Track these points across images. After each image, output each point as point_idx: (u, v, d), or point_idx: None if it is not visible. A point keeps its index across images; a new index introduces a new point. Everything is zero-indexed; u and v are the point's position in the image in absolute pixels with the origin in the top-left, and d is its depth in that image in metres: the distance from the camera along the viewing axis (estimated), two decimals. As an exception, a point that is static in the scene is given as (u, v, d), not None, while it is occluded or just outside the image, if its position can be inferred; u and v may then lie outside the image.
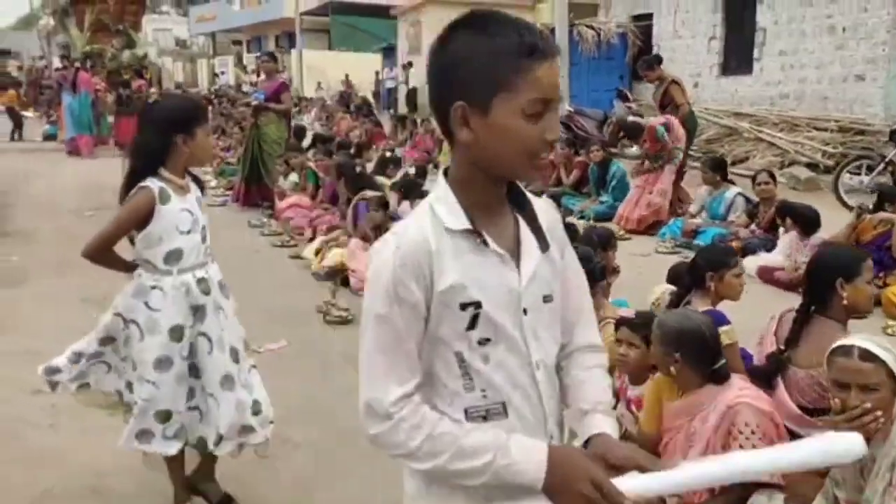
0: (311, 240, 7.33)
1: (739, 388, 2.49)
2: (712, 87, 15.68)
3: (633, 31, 17.51)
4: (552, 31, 17.09)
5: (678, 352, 2.53)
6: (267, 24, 44.37)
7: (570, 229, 4.13)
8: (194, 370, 2.71)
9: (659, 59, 10.54)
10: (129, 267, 2.80)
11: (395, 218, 6.11)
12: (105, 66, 24.32)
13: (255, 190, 9.10)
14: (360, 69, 33.20)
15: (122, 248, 2.85)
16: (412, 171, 8.32)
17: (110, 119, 16.37)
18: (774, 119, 13.60)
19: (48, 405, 3.83)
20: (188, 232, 2.70)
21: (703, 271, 3.46)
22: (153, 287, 2.68)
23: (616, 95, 15.04)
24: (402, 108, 27.63)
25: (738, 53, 15.20)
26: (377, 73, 31.57)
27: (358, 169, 7.10)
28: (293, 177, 8.88)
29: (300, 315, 5.34)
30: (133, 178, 2.67)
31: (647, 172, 8.17)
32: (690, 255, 6.94)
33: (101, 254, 2.80)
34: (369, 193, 6.25)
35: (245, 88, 37.37)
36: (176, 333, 2.66)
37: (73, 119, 14.27)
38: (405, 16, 31.29)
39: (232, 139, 12.80)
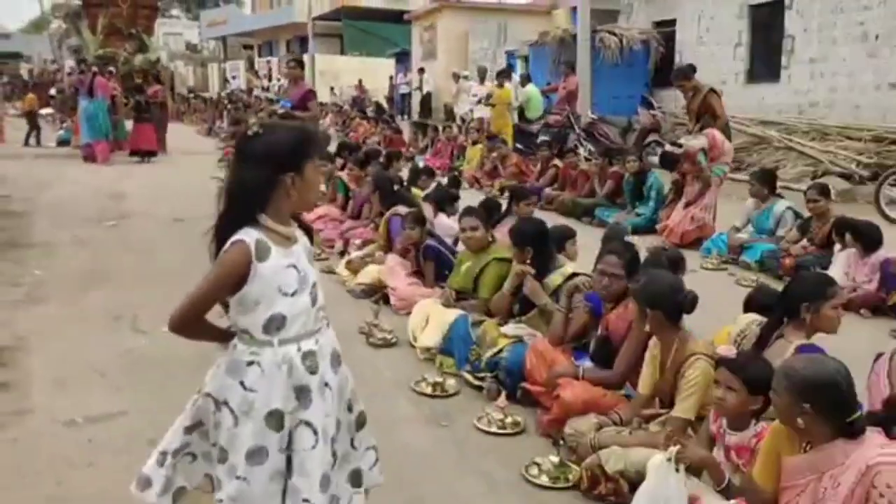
0: (343, 253, 7.08)
1: (880, 446, 2.21)
2: (738, 95, 15.37)
3: (655, 38, 17.25)
4: (573, 37, 16.89)
5: (808, 403, 2.26)
6: (278, 28, 44.27)
7: (629, 249, 3.87)
8: (289, 465, 2.17)
9: (693, 69, 10.23)
10: (226, 336, 2.26)
11: (431, 234, 5.85)
12: (118, 70, 24.23)
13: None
14: (374, 74, 32.99)
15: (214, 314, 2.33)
16: (444, 180, 8.03)
17: (128, 125, 16.19)
18: (804, 128, 13.32)
19: (84, 440, 3.58)
20: (293, 293, 2.15)
21: (797, 302, 3.19)
22: (250, 363, 2.15)
23: (640, 102, 14.75)
24: (416, 114, 27.44)
25: (765, 61, 14.92)
26: (391, 78, 31.30)
27: (395, 185, 6.82)
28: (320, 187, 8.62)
29: (340, 337, 5.04)
30: (226, 228, 2.16)
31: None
32: (738, 271, 6.77)
33: (191, 325, 2.23)
34: (402, 209, 5.98)
35: (257, 93, 37.29)
36: (274, 420, 2.12)
37: (89, 124, 14.05)
38: (419, 21, 31.11)
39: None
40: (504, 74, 14.59)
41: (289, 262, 2.16)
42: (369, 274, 5.80)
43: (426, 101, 28.00)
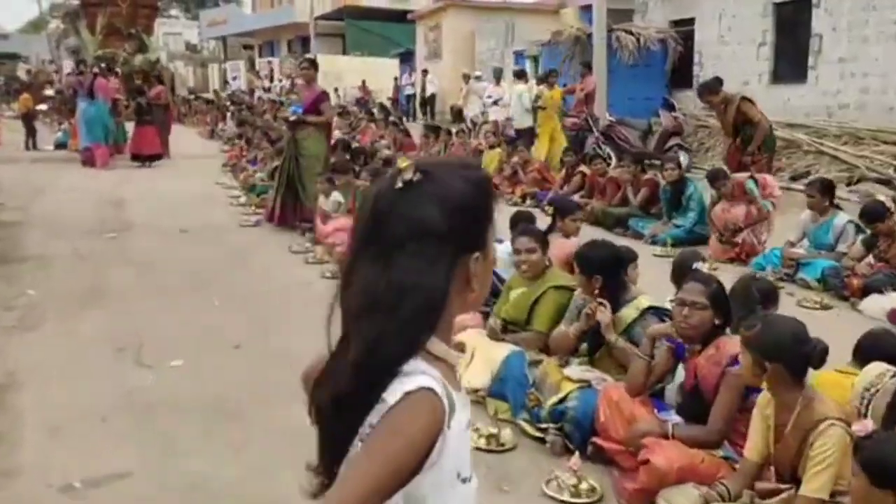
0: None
1: None
2: (762, 96, 14.73)
3: (673, 37, 16.67)
4: (589, 36, 16.34)
5: None
6: (279, 28, 43.70)
7: (712, 279, 3.30)
8: None
9: (720, 81, 9.72)
10: None
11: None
12: (117, 70, 23.66)
13: (290, 209, 8.28)
14: (377, 74, 32.44)
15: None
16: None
17: (127, 127, 15.62)
18: (834, 131, 12.77)
19: (84, 513, 3.02)
20: (469, 478, 1.23)
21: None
22: None
23: (662, 104, 14.21)
24: (415, 115, 26.89)
25: (790, 61, 14.36)
26: (395, 78, 30.73)
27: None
28: (336, 196, 8.05)
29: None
30: (374, 373, 1.15)
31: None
32: (796, 290, 6.20)
33: None
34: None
35: (259, 94, 36.72)
36: None
37: (89, 127, 13.48)
38: (424, 20, 30.56)
39: (259, 150, 11.99)
40: (553, 75, 13.98)
41: (466, 415, 1.24)
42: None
43: (430, 102, 27.44)
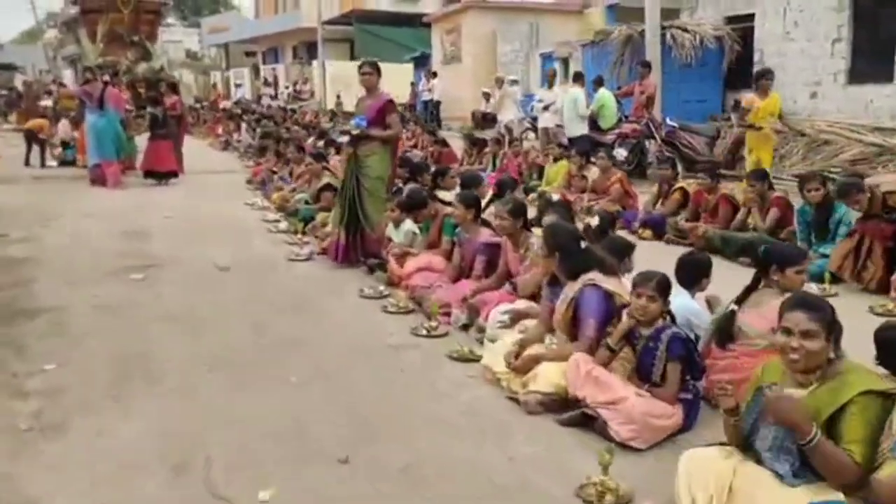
0: (466, 327, 5.14)
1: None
2: (838, 98, 13.49)
3: (730, 35, 15.31)
4: (641, 33, 15.00)
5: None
6: (284, 34, 42.37)
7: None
8: None
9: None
10: None
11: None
12: (120, 79, 22.31)
13: (352, 241, 6.90)
14: (389, 80, 30.90)
15: None
16: (595, 221, 5.97)
17: (138, 141, 14.24)
18: (931, 134, 11.44)
19: None
20: None
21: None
22: None
23: (732, 107, 12.83)
24: (439, 122, 25.51)
25: (871, 57, 13.00)
26: (412, 84, 29.36)
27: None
28: (409, 226, 6.68)
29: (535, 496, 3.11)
30: None
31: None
32: None
33: None
34: (599, 276, 4.03)
35: (265, 101, 35.36)
36: None
37: (99, 142, 12.10)
38: (441, 23, 29.22)
39: (296, 165, 10.60)
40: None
41: None
42: (548, 378, 3.85)
43: (435, 108, 26.09)
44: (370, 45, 38.66)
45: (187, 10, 66.82)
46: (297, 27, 39.65)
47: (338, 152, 11.16)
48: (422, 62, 31.61)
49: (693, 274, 4.48)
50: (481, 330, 4.96)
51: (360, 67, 6.93)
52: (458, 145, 14.83)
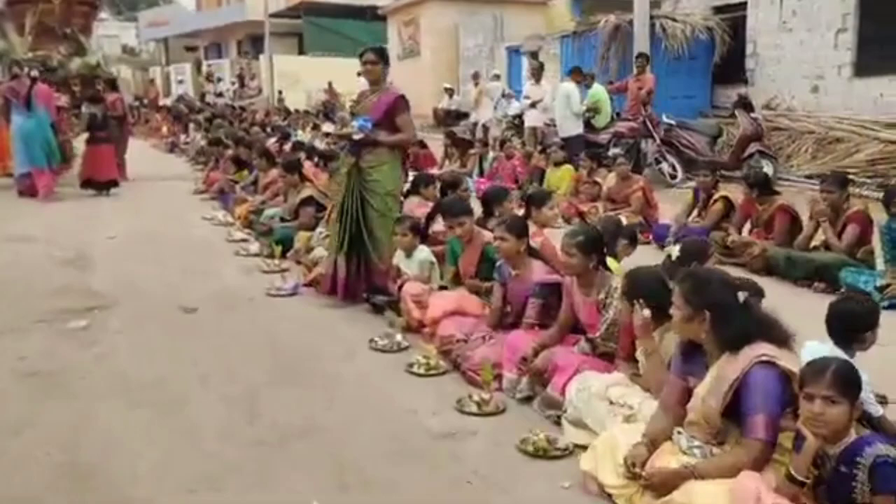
0: (530, 399, 3.88)
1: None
2: (842, 92, 12.60)
3: (719, 25, 14.32)
4: (629, 22, 13.93)
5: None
6: (228, 27, 40.42)
7: None
8: None
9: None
10: None
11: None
12: (51, 76, 20.36)
13: (355, 272, 5.56)
14: (342, 76, 29.41)
15: None
16: (675, 251, 4.72)
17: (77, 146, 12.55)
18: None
19: None
20: None
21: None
22: None
23: (737, 103, 11.82)
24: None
25: (881, 49, 12.10)
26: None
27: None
28: (423, 254, 5.38)
29: None
30: None
31: None
32: None
33: None
34: (769, 349, 2.80)
35: (210, 99, 33.43)
36: None
37: (27, 147, 10.46)
38: (397, 15, 27.81)
39: (263, 174, 9.15)
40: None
41: None
42: None
43: None
44: (320, 39, 37.12)
45: (122, 4, 63.84)
46: (243, 20, 37.79)
47: (309, 158, 9.78)
48: (377, 57, 30.12)
49: (854, 325, 3.28)
50: (552, 405, 3.70)
51: (361, 55, 5.58)
52: (435, 146, 13.51)
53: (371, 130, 5.44)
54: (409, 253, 5.39)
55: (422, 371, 4.28)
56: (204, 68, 41.10)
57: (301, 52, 38.31)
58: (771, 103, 13.66)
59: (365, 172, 5.49)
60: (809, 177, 11.13)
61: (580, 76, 11.60)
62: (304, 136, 16.92)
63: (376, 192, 5.50)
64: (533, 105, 12.38)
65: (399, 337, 4.74)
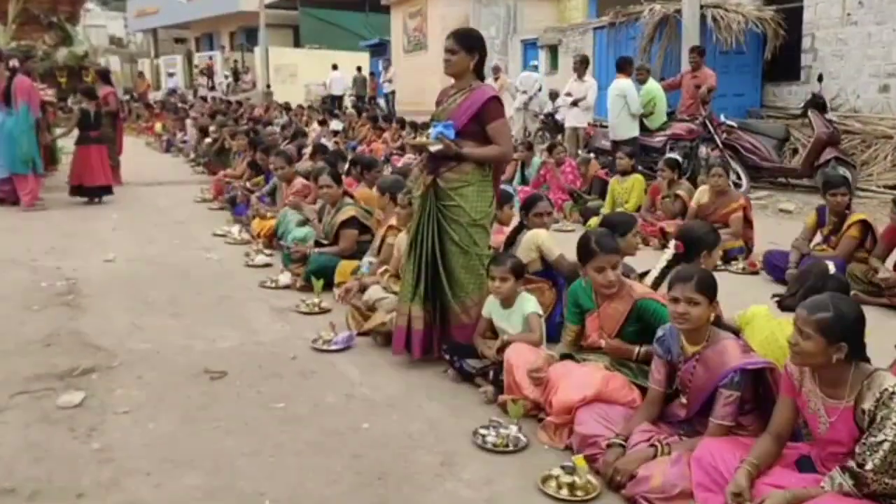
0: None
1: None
2: (918, 92, 11.43)
3: (773, 19, 13.05)
4: (677, 12, 12.68)
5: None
6: (221, 18, 38.91)
7: None
8: None
9: None
10: None
11: None
12: (34, 67, 18.90)
13: (431, 326, 4.27)
14: (342, 70, 28.02)
15: None
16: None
17: (61, 147, 11.18)
18: None
19: None
20: None
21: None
22: None
23: (809, 103, 10.57)
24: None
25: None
26: (372, 74, 26.56)
27: None
28: (529, 306, 4.07)
29: None
30: None
31: None
32: None
33: None
34: None
35: (202, 93, 31.95)
36: None
37: (6, 149, 9.07)
38: (403, 6, 26.37)
39: (282, 181, 7.79)
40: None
41: None
42: None
43: (388, 101, 23.52)
44: (317, 31, 35.71)
45: (108, -8, 61.98)
46: (236, 11, 36.26)
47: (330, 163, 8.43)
48: (379, 51, 28.77)
49: None
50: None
51: (448, 43, 4.26)
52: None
53: (454, 140, 4.14)
54: (508, 303, 4.08)
55: (565, 495, 2.98)
56: (196, 61, 39.64)
57: (297, 44, 36.90)
58: (832, 104, 12.43)
59: (444, 196, 4.19)
60: (893, 187, 9.94)
61: (635, 71, 10.29)
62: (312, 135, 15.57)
63: (458, 221, 4.20)
64: (574, 103, 11.08)
65: (514, 430, 3.43)
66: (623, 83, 9.99)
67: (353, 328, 4.87)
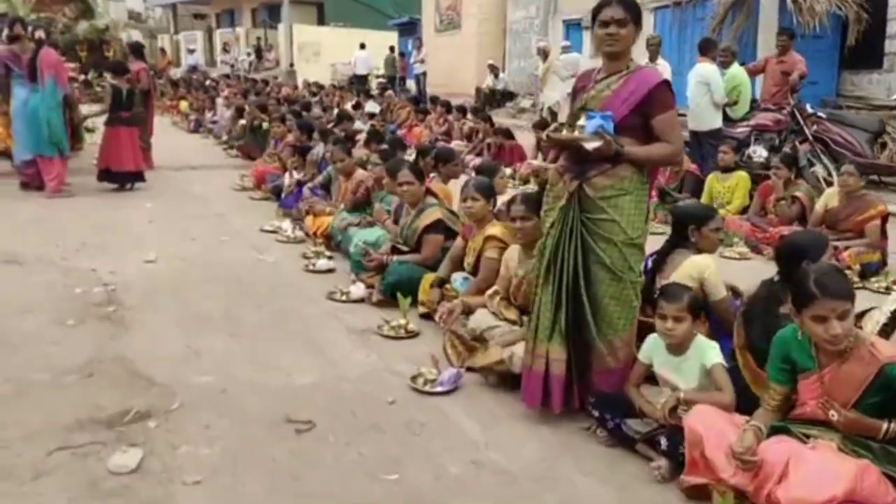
0: None
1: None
2: None
3: (854, 2, 12.00)
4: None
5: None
6: (243, -7, 37.92)
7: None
8: None
9: None
10: None
11: None
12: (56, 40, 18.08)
13: (571, 370, 3.40)
14: (370, 49, 27.02)
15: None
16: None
17: (90, 126, 10.32)
18: None
19: None
20: None
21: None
22: None
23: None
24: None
25: None
26: (402, 54, 25.57)
27: None
28: (708, 353, 3.18)
29: None
30: None
31: None
32: None
33: None
34: None
35: (224, 70, 31.03)
36: None
37: (30, 128, 8.21)
38: (435, -17, 25.32)
39: (337, 175, 6.90)
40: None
41: None
42: None
43: (419, 83, 22.48)
44: (341, 8, 34.63)
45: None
46: (260, -14, 35.30)
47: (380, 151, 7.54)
48: (408, 29, 27.72)
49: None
50: None
51: (597, 8, 3.34)
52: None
53: (613, 136, 3.25)
54: (679, 348, 3.20)
55: None
56: (217, 37, 38.69)
57: (321, 21, 35.86)
58: (918, 95, 11.45)
59: (593, 207, 3.30)
60: None
61: (719, 53, 9.31)
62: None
63: (610, 239, 3.31)
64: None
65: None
66: (706, 68, 9.00)
67: (455, 362, 4.00)
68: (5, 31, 8.51)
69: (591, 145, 3.23)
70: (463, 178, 6.25)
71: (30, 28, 8.96)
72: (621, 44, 3.33)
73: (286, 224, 7.00)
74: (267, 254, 6.24)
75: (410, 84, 23.97)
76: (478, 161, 9.23)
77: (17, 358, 4.02)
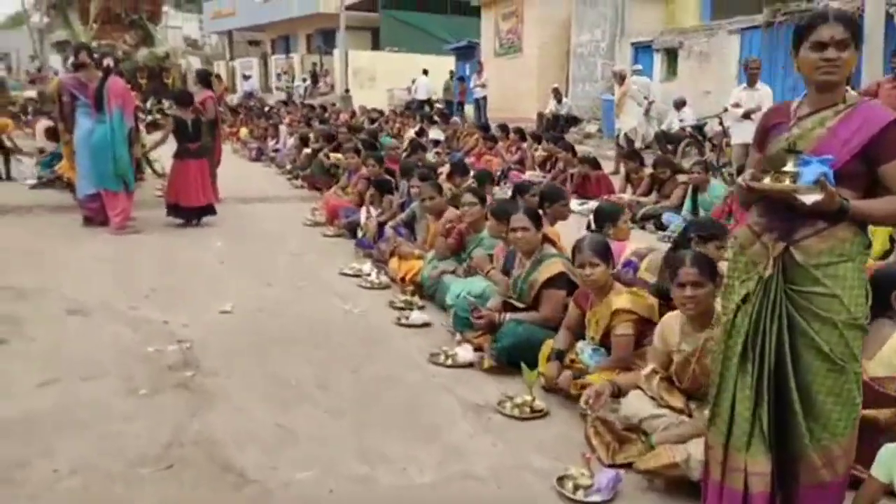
0: None
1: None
2: None
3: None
4: (860, 14, 10.89)
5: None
6: (297, 20, 38.06)
7: None
8: None
9: None
10: None
11: None
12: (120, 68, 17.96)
13: (778, 480, 2.66)
14: (419, 73, 26.60)
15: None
16: None
17: (155, 158, 9.95)
18: None
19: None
20: None
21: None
22: None
23: None
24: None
25: None
26: (461, 79, 25.11)
27: None
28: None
29: None
30: None
31: None
32: None
33: None
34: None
35: (281, 97, 31.00)
36: None
37: (95, 161, 7.78)
38: (496, 7, 24.83)
39: (424, 214, 6.27)
40: None
41: None
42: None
43: (479, 107, 21.82)
44: (396, 33, 34.46)
45: (182, -4, 62.10)
46: (315, 12, 35.30)
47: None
48: (466, 54, 27.28)
49: None
50: None
51: (808, 25, 2.64)
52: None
53: (833, 186, 2.53)
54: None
55: None
56: (272, 63, 38.89)
57: (376, 47, 35.74)
58: None
59: (804, 277, 2.58)
60: None
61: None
62: (396, 141, 14.12)
63: (828, 318, 2.57)
64: (747, 116, 9.33)
65: None
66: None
67: (604, 457, 3.29)
68: (70, 59, 8.13)
69: (809, 199, 2.51)
70: (570, 220, 5.59)
71: (96, 56, 8.57)
72: (842, 71, 2.62)
73: (367, 266, 6.38)
74: (352, 303, 5.62)
75: (469, 109, 23.44)
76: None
77: (85, 440, 3.43)
